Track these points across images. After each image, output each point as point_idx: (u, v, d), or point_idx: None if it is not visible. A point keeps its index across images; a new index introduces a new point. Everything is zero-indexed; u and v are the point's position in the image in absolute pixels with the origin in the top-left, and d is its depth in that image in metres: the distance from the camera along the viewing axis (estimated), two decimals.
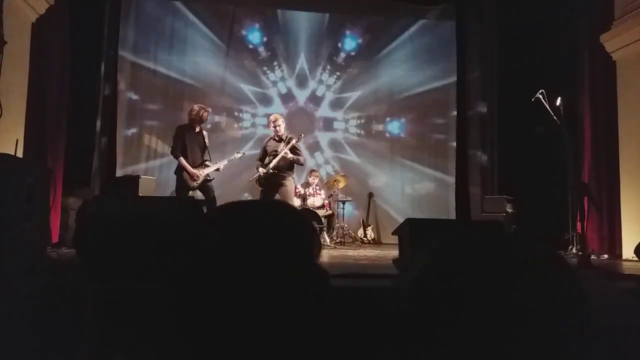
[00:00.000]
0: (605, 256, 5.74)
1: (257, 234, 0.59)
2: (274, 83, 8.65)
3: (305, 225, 0.64)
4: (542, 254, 0.55)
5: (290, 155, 5.90)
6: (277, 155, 5.93)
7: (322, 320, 0.59)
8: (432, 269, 0.56)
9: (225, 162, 6.09)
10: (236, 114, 8.56)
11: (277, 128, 6.06)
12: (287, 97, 8.56)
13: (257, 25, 8.60)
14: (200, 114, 5.84)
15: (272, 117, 6.16)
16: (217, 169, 5.96)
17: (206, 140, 5.93)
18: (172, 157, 6.00)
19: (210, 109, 6.02)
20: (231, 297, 0.55)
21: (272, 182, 5.93)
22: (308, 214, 7.02)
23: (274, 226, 0.61)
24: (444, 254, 0.57)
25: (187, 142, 5.80)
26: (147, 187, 5.64)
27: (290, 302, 0.56)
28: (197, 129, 5.90)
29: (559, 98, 5.50)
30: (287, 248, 0.59)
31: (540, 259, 0.55)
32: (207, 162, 5.88)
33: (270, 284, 0.56)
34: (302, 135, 6.25)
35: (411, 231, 3.19)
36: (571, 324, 0.50)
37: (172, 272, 0.60)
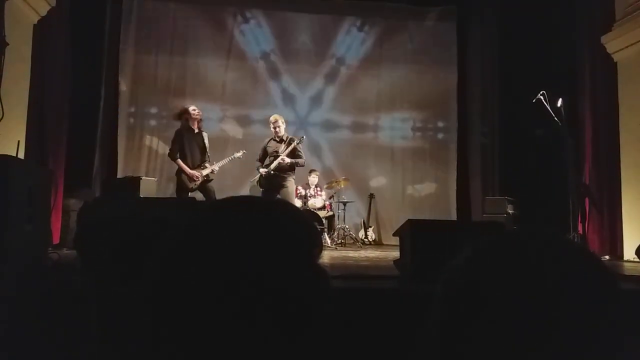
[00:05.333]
0: (607, 257, 5.73)
1: (254, 231, 0.58)
2: (275, 84, 8.64)
3: (305, 224, 0.63)
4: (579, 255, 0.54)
5: (288, 160, 5.89)
6: (278, 156, 5.93)
7: (322, 322, 0.58)
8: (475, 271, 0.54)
9: (225, 161, 6.10)
10: (237, 115, 8.56)
11: (277, 129, 6.06)
12: (287, 98, 8.56)
13: (258, 27, 8.60)
14: (190, 111, 5.86)
15: (272, 119, 6.15)
16: (216, 170, 5.97)
17: (206, 142, 5.93)
18: None
19: (196, 108, 6.02)
20: (223, 296, 0.54)
21: (273, 183, 5.92)
22: (309, 215, 7.02)
23: (272, 223, 0.61)
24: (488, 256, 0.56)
25: (186, 144, 5.80)
26: (148, 188, 5.64)
27: (288, 302, 0.56)
28: (197, 130, 5.91)
29: (560, 99, 5.50)
30: (285, 246, 0.59)
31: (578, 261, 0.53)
32: (206, 163, 5.88)
33: (266, 283, 0.55)
34: (304, 137, 6.24)
35: (412, 232, 3.19)
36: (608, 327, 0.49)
37: (161, 269, 0.59)
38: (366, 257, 5.71)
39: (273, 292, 0.55)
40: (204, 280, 0.55)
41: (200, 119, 5.95)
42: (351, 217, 8.18)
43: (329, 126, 8.71)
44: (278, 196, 5.88)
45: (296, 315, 0.56)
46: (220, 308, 0.54)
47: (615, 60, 6.13)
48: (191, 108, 5.92)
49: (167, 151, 6.06)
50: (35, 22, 5.48)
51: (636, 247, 4.86)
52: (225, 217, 0.61)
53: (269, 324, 0.54)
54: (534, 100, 5.51)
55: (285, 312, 0.55)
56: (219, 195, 5.99)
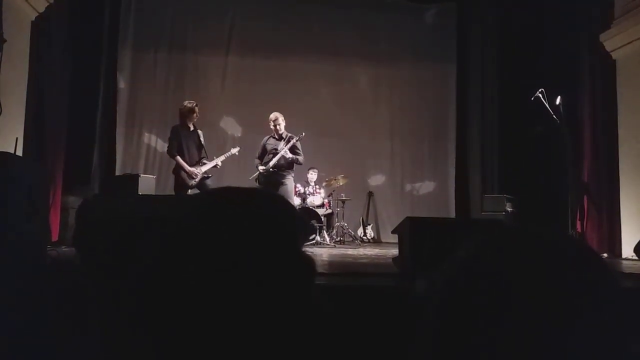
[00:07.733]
0: (605, 255, 5.74)
1: (239, 220, 0.58)
2: (274, 82, 8.61)
3: (289, 210, 0.63)
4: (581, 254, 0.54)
5: (289, 155, 5.90)
6: (277, 153, 5.93)
7: (309, 316, 0.58)
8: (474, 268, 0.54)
9: (222, 158, 6.08)
10: (236, 112, 8.55)
11: (277, 127, 6.06)
12: (287, 96, 8.54)
13: (257, 23, 8.58)
14: (191, 108, 5.84)
15: (272, 116, 6.14)
16: (215, 166, 5.95)
17: (202, 139, 5.92)
18: None
19: (197, 104, 5.99)
20: (210, 289, 0.54)
21: (272, 180, 5.93)
22: (308, 212, 7.02)
23: (256, 211, 0.61)
24: (489, 252, 0.56)
25: (183, 141, 5.79)
26: (146, 185, 5.65)
27: (273, 295, 0.56)
28: (192, 128, 5.90)
29: (559, 97, 5.50)
30: (269, 233, 0.59)
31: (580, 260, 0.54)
32: (204, 160, 5.88)
33: (251, 274, 0.55)
34: (303, 134, 6.23)
35: (411, 230, 3.20)
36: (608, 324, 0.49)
37: (148, 263, 0.59)
38: (365, 254, 5.72)
39: (259, 281, 0.55)
40: (194, 272, 0.55)
41: (194, 114, 5.91)
42: (350, 215, 8.18)
43: (328, 124, 8.69)
44: None
45: (284, 305, 0.56)
46: (210, 299, 0.54)
47: (614, 58, 6.14)
48: (194, 105, 5.88)
49: (166, 148, 6.05)
50: (33, 18, 5.46)
51: (635, 244, 4.88)
52: (213, 208, 0.61)
53: (260, 315, 0.54)
54: (532, 98, 5.51)
55: (272, 301, 0.55)
56: None
